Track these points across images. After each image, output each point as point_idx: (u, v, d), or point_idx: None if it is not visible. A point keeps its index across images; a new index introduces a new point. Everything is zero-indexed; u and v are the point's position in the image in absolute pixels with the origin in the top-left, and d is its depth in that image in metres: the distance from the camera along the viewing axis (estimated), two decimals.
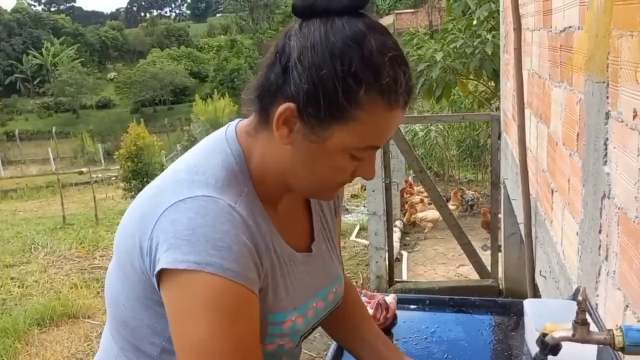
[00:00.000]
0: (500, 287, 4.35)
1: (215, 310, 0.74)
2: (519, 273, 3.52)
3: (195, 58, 49.12)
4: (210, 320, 0.74)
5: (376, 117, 0.76)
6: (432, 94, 5.93)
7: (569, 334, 0.81)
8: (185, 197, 0.78)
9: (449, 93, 6.12)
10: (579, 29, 1.45)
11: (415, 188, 7.06)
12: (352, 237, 6.55)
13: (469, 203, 7.05)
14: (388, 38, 0.77)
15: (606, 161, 1.16)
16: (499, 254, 4.34)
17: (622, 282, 1.06)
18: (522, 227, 2.47)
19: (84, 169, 19.72)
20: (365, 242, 5.62)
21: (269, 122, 0.79)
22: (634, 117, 0.97)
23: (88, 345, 4.52)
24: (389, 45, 0.76)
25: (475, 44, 5.47)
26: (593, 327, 0.82)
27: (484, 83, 6.47)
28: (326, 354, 1.28)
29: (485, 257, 4.61)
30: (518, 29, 2.36)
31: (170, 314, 0.77)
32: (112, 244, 0.90)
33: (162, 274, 0.76)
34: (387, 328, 1.42)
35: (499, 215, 4.25)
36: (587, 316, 0.82)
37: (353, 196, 8.73)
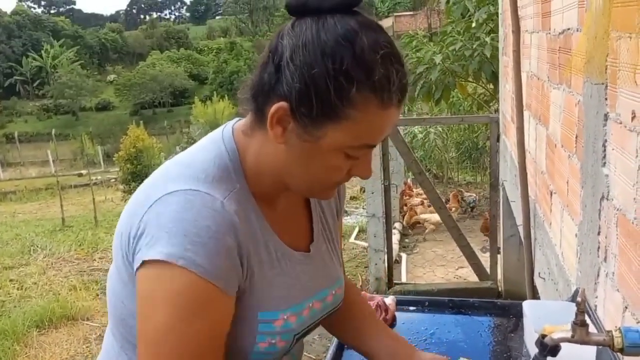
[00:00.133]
0: (500, 289, 4.35)
1: (177, 304, 0.75)
2: (518, 275, 3.52)
3: (194, 60, 49.22)
4: (169, 313, 0.75)
5: (369, 115, 0.76)
6: (431, 96, 5.93)
7: (568, 335, 0.81)
8: (173, 190, 0.78)
9: (448, 95, 6.13)
10: (577, 31, 1.45)
11: (414, 190, 7.07)
12: (351, 239, 6.55)
13: (470, 205, 7.06)
14: (381, 35, 0.77)
15: (605, 163, 1.16)
16: (498, 255, 4.34)
17: (621, 283, 1.06)
18: (521, 229, 2.47)
19: (83, 171, 19.70)
20: (365, 244, 5.62)
21: (264, 121, 0.79)
22: (633, 118, 0.97)
23: (87, 347, 4.51)
24: (382, 42, 0.75)
25: (474, 46, 5.48)
26: (592, 329, 0.82)
27: (483, 85, 6.48)
28: (325, 356, 1.28)
29: (485, 259, 4.61)
30: (517, 31, 2.37)
31: (137, 303, 0.78)
32: (111, 246, 0.90)
33: (139, 264, 0.77)
34: None
35: (499, 220, 4.25)
36: (586, 317, 0.82)
37: (352, 198, 8.73)
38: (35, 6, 75.71)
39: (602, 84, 1.16)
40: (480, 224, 5.72)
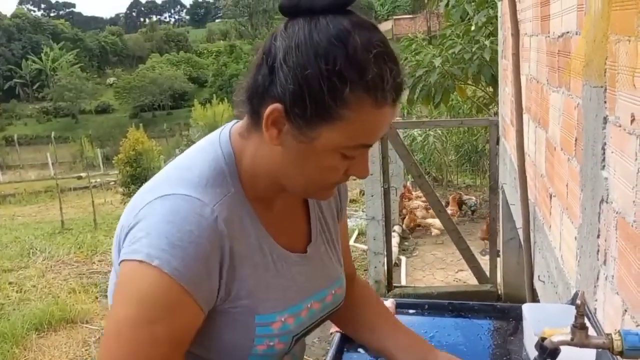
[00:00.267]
0: (499, 292, 4.35)
1: (144, 303, 0.76)
2: (518, 278, 3.52)
3: (194, 63, 49.23)
4: (134, 310, 0.76)
5: (363, 115, 0.75)
6: (430, 100, 5.93)
7: (568, 338, 0.81)
8: (164, 194, 0.80)
9: (448, 98, 6.13)
10: (576, 34, 1.45)
11: (413, 193, 7.06)
12: (351, 242, 6.55)
13: (471, 208, 7.06)
14: (374, 35, 0.76)
15: (604, 166, 1.16)
16: (498, 259, 4.34)
17: (620, 286, 1.06)
18: (520, 232, 2.47)
19: (83, 174, 19.74)
20: (364, 247, 5.61)
21: (260, 123, 0.79)
22: (632, 121, 0.97)
23: (86, 350, 4.51)
24: (375, 42, 0.75)
25: (473, 49, 5.49)
26: (592, 332, 0.82)
27: (483, 88, 6.48)
28: (324, 359, 1.27)
29: (484, 262, 4.61)
30: (516, 34, 2.37)
31: (112, 295, 0.81)
32: (110, 249, 0.91)
33: (119, 261, 0.79)
34: None
35: (498, 223, 4.25)
36: (586, 320, 0.82)
37: (352, 201, 8.72)
38: (35, 9, 75.99)
39: (601, 87, 1.16)
40: (481, 228, 5.66)
